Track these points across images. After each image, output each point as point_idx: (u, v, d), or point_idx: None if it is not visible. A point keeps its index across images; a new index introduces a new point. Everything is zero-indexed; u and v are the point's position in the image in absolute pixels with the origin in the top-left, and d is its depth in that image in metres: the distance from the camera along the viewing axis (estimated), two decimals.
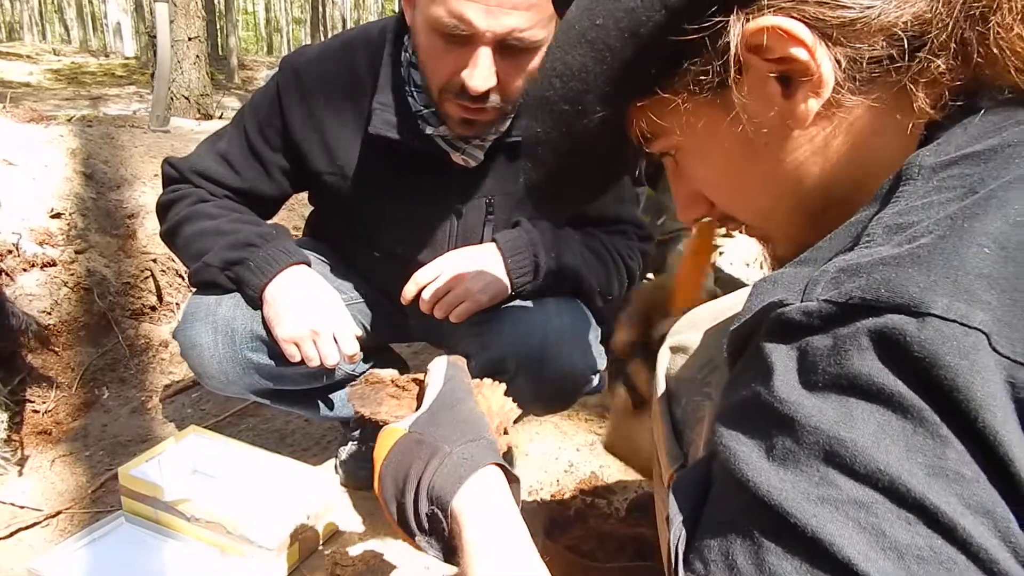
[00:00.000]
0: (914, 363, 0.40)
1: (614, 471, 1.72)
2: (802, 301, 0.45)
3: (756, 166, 0.58)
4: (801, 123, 0.54)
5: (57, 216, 2.22)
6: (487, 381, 0.92)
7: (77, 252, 2.20)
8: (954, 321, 0.39)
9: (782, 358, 0.45)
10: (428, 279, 1.30)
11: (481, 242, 1.39)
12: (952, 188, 0.45)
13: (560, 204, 0.72)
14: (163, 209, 1.42)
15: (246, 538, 1.36)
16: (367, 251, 1.47)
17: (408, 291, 1.31)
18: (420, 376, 0.95)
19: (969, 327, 0.39)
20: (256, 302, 1.30)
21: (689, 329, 0.74)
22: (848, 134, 0.55)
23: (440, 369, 0.87)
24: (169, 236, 1.40)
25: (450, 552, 0.71)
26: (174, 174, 1.42)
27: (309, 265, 1.35)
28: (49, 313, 2.06)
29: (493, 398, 0.91)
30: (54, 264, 2.11)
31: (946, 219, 0.43)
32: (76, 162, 2.53)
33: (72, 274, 2.15)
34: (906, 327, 0.40)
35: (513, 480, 0.73)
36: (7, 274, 2.01)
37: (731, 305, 0.74)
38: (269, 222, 1.43)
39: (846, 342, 0.42)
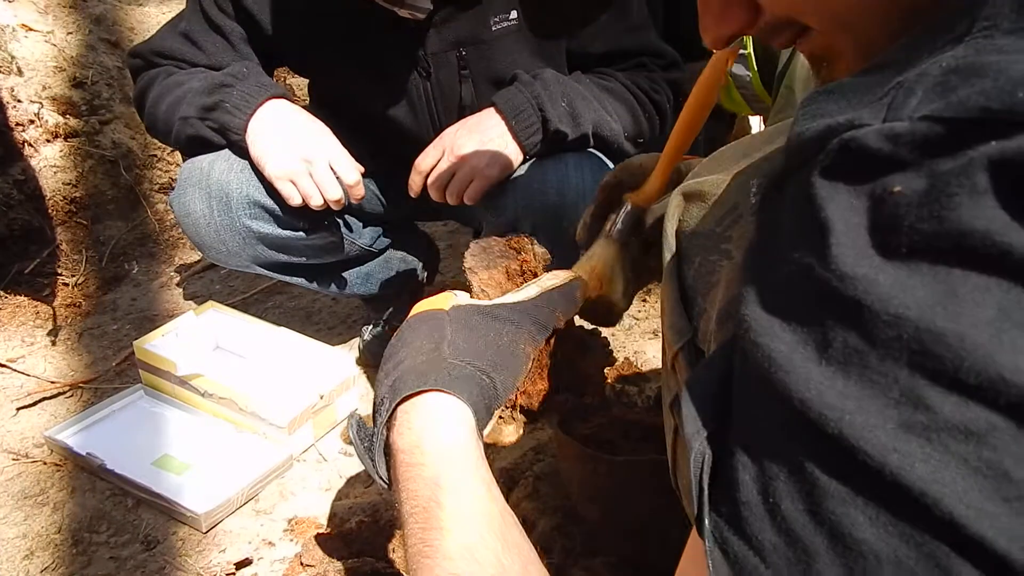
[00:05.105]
0: None
1: (650, 357, 1.61)
2: (886, 121, 0.30)
3: None
4: None
5: (79, 85, 2.14)
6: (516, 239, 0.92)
7: (101, 123, 2.13)
8: None
9: (845, 209, 0.30)
10: (429, 165, 1.19)
11: (461, 100, 1.26)
12: None
13: None
14: (138, 100, 1.30)
15: (257, 415, 1.33)
16: (356, 119, 1.35)
17: (414, 183, 1.22)
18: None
19: None
20: (243, 147, 1.20)
21: (709, 170, 0.56)
22: None
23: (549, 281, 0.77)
24: (151, 124, 1.29)
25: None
26: (140, 63, 1.30)
27: (289, 99, 1.24)
28: (75, 186, 2.01)
29: (532, 251, 0.93)
30: (77, 135, 2.05)
31: None
32: (101, 29, 2.42)
33: (97, 146, 2.09)
34: None
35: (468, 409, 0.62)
36: (30, 144, 1.96)
37: (769, 138, 0.56)
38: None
39: (951, 181, 0.27)
